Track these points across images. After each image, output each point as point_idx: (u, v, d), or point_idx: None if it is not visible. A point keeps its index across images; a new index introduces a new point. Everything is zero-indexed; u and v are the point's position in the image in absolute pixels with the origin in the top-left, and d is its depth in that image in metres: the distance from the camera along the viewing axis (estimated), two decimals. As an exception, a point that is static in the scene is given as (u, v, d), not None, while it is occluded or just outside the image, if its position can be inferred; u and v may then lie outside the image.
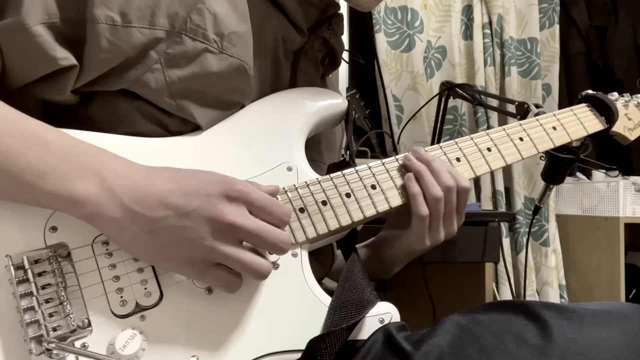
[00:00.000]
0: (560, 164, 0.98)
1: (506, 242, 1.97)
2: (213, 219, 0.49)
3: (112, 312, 0.52)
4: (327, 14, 0.76)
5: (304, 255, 0.61)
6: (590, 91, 0.91)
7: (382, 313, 0.61)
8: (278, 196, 0.61)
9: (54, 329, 0.49)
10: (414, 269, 1.62)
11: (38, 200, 0.51)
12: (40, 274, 0.50)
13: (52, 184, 0.49)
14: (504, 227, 1.94)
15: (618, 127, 0.91)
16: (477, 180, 2.01)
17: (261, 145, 0.65)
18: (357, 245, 0.81)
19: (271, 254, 0.54)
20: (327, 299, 0.59)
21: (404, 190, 0.68)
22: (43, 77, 0.56)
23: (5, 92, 0.56)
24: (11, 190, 0.50)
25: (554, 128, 0.82)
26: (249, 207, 0.51)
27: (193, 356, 0.52)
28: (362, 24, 1.96)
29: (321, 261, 0.74)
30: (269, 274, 0.53)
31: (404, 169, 0.70)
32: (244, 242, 0.52)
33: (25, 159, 0.49)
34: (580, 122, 0.86)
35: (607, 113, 0.89)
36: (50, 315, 0.49)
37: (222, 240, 0.50)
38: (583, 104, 0.90)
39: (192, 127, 0.63)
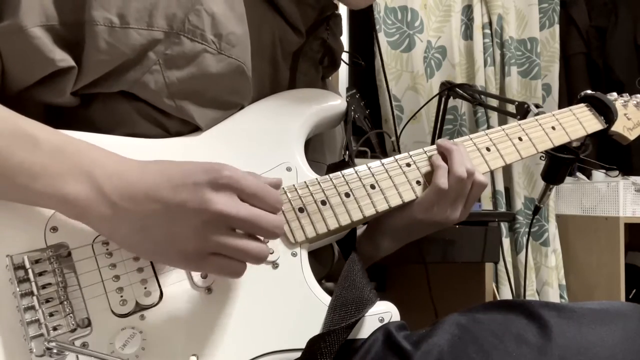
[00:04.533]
0: (560, 164, 0.98)
1: (506, 242, 1.97)
2: (202, 210, 0.48)
3: (112, 311, 0.52)
4: (325, 14, 0.76)
5: (304, 255, 0.61)
6: (589, 91, 0.91)
7: (382, 312, 0.61)
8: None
9: (54, 328, 0.49)
10: (413, 268, 1.62)
11: (31, 200, 0.50)
12: (40, 274, 0.50)
13: (43, 185, 0.49)
14: (504, 227, 1.93)
15: (617, 127, 0.91)
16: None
17: (260, 146, 0.65)
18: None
19: (265, 239, 0.53)
20: (327, 298, 0.60)
21: (403, 189, 0.68)
22: (42, 79, 0.56)
23: (7, 97, 0.56)
24: (4, 190, 0.50)
25: (553, 128, 0.82)
26: (239, 193, 0.50)
27: (193, 355, 0.52)
28: (363, 24, 1.96)
29: (321, 261, 0.74)
30: (267, 257, 0.52)
31: (438, 148, 0.73)
32: (237, 230, 0.51)
33: (16, 158, 0.48)
34: (579, 122, 0.86)
35: (606, 113, 0.89)
36: (51, 314, 0.50)
37: (214, 230, 0.49)
38: (582, 104, 0.90)
39: (191, 128, 0.63)
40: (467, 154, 0.73)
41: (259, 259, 0.51)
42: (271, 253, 0.59)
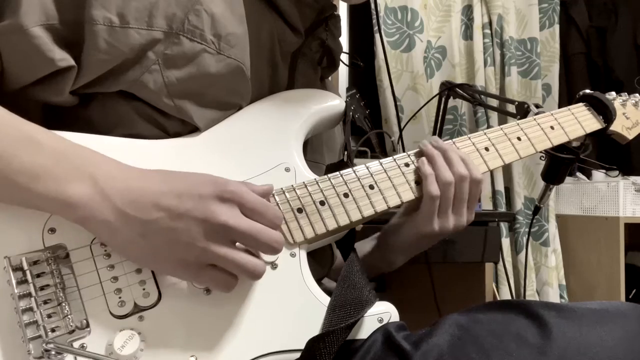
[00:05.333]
0: (560, 164, 0.97)
1: (506, 242, 1.97)
2: (205, 220, 0.49)
3: (110, 312, 0.52)
4: (324, 15, 0.76)
5: (303, 256, 0.61)
6: (587, 90, 0.91)
7: (381, 312, 0.61)
8: (276, 196, 0.61)
9: (53, 330, 0.49)
10: (414, 268, 1.62)
11: (31, 203, 0.50)
12: (38, 275, 0.50)
13: (45, 187, 0.49)
14: (504, 227, 1.93)
15: (616, 126, 0.91)
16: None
17: (259, 146, 0.65)
18: (364, 240, 0.81)
19: (265, 254, 0.54)
20: (326, 299, 0.59)
21: (402, 190, 0.68)
22: (42, 78, 0.56)
23: (5, 95, 0.56)
24: (5, 193, 0.50)
25: (552, 127, 0.82)
26: (241, 208, 0.51)
27: (192, 356, 0.52)
28: (363, 24, 1.96)
29: (320, 262, 0.74)
30: (263, 274, 0.53)
31: (420, 153, 0.71)
32: (237, 243, 0.52)
33: (18, 161, 0.49)
34: (578, 122, 0.86)
35: (605, 112, 0.89)
36: (49, 316, 0.49)
37: (215, 241, 0.49)
38: (581, 104, 0.90)
39: (190, 129, 0.63)
40: (454, 153, 0.71)
41: (255, 275, 0.52)
42: (270, 254, 0.58)
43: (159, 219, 0.49)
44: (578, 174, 2.23)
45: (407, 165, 0.70)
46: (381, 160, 0.69)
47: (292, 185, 0.63)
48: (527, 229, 1.95)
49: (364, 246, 0.81)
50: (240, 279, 0.53)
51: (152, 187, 0.50)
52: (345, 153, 0.76)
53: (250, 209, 0.51)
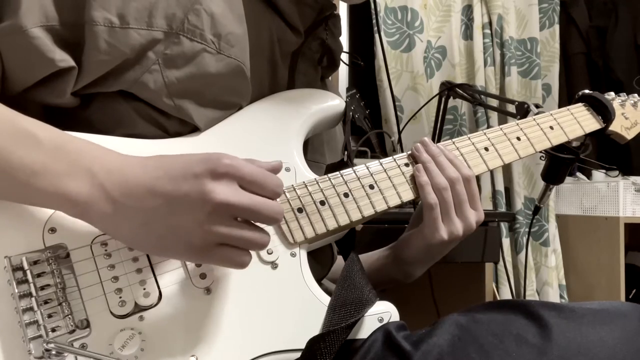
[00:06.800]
0: (560, 164, 0.98)
1: (506, 242, 1.97)
2: (204, 201, 0.47)
3: (110, 312, 0.52)
4: (324, 14, 0.76)
5: (303, 255, 0.61)
6: (587, 91, 0.91)
7: (381, 312, 0.61)
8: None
9: (53, 330, 0.49)
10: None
11: (31, 199, 0.50)
12: (39, 275, 0.50)
13: (44, 183, 0.48)
14: (504, 227, 1.94)
15: (615, 126, 0.91)
16: (476, 180, 2.01)
17: (259, 146, 0.65)
18: (374, 252, 0.81)
19: (267, 225, 0.53)
20: (326, 299, 0.59)
21: (402, 189, 0.68)
22: (42, 80, 0.56)
23: (7, 98, 0.56)
24: (4, 189, 0.50)
25: (551, 127, 0.82)
26: (240, 181, 0.49)
27: (192, 356, 0.52)
28: (363, 24, 1.96)
29: (321, 262, 0.74)
30: (268, 243, 0.52)
31: (412, 158, 0.71)
32: (239, 218, 0.50)
33: (17, 157, 0.48)
34: (577, 122, 0.86)
35: (604, 112, 0.89)
36: (50, 315, 0.49)
37: (217, 220, 0.48)
38: (580, 104, 0.90)
39: (190, 129, 0.63)
40: (443, 157, 0.71)
41: (263, 246, 0.51)
42: (270, 254, 0.59)
43: (157, 207, 0.48)
44: (578, 174, 2.23)
45: (407, 165, 0.70)
46: (381, 160, 0.69)
47: (293, 185, 0.63)
48: (527, 229, 1.95)
49: (376, 258, 0.81)
50: (241, 277, 0.53)
51: (147, 174, 0.49)
52: (346, 153, 0.76)
53: (249, 181, 0.50)
